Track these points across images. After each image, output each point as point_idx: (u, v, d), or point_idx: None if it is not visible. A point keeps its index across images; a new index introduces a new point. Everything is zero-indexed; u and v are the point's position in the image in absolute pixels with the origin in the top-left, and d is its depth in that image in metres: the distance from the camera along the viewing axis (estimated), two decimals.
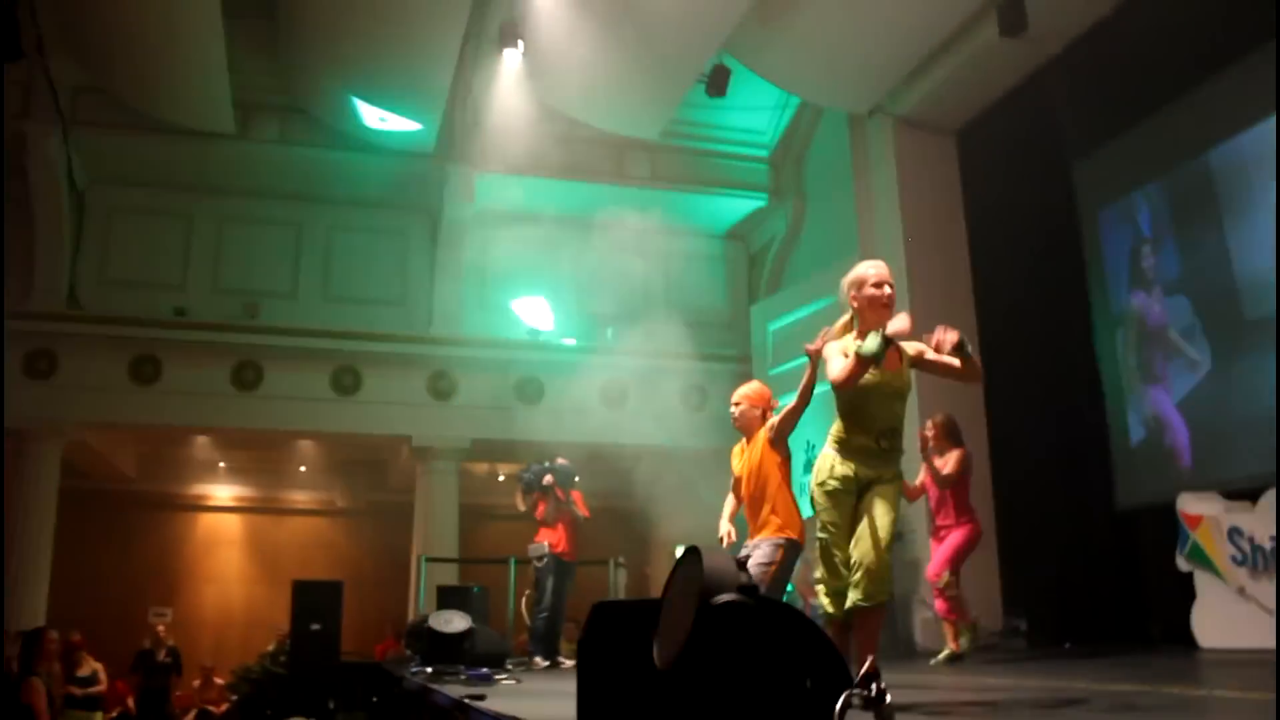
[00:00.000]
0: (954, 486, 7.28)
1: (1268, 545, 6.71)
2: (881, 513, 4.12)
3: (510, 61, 11.36)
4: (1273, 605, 6.67)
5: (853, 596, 4.05)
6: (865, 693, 2.49)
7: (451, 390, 13.71)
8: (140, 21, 10.84)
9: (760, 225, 14.98)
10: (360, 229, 14.24)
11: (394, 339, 13.63)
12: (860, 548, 4.08)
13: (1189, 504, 7.36)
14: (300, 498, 18.02)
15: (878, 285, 4.17)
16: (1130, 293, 9.38)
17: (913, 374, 4.29)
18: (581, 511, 9.32)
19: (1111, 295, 9.62)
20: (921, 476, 7.40)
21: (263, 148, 13.14)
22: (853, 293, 4.22)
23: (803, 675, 2.31)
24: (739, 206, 14.75)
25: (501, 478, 16.37)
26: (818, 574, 4.30)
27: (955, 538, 7.26)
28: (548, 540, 9.17)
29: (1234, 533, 6.94)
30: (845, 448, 4.21)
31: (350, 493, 17.77)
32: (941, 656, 7.16)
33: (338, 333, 13.43)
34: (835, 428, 4.29)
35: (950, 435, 7.41)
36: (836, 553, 4.18)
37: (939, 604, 7.28)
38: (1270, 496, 6.86)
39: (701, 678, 2.24)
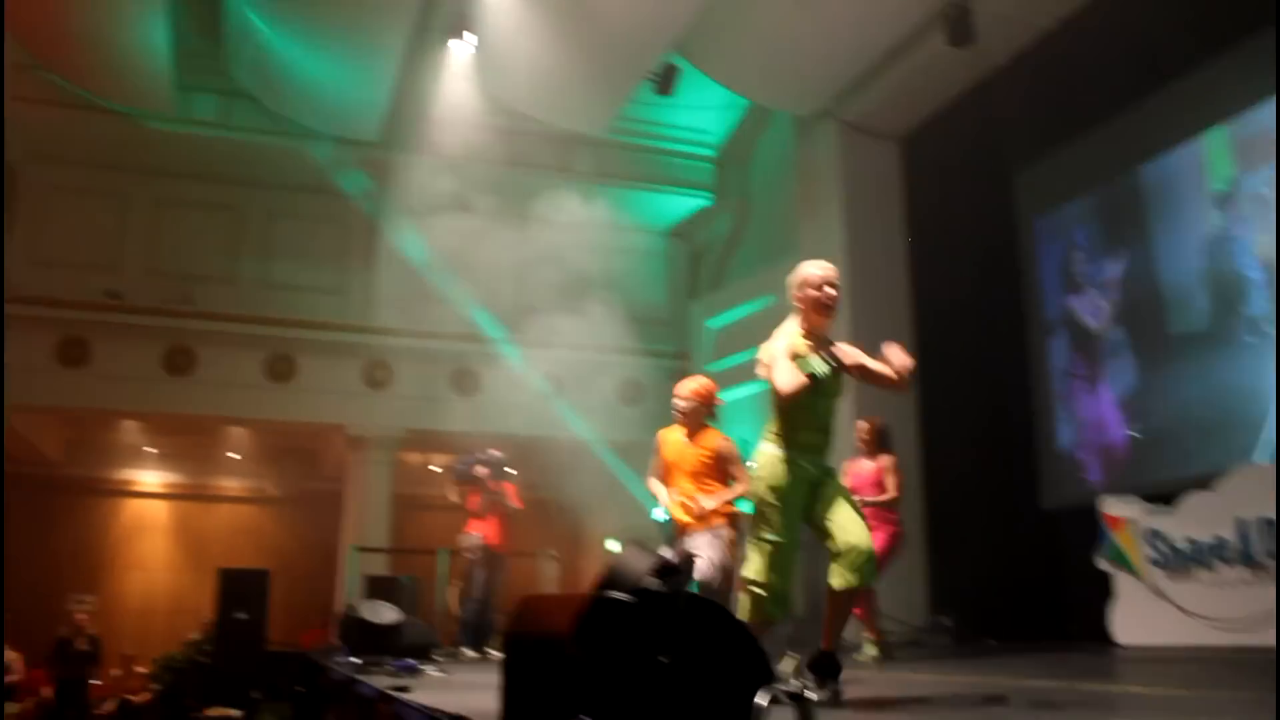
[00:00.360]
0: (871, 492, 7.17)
1: (1186, 547, 6.88)
2: (846, 493, 4.16)
3: (458, 52, 11.28)
4: (1186, 605, 6.86)
5: (849, 579, 3.96)
6: (788, 689, 2.51)
7: (387, 380, 13.62)
8: None
9: (704, 224, 15.03)
10: (300, 216, 14.08)
11: (330, 327, 13.50)
12: (852, 533, 3.99)
13: (1111, 506, 7.55)
14: (231, 485, 17.74)
15: (820, 287, 4.14)
16: (1064, 298, 9.57)
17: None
18: (514, 503, 9.29)
19: (1044, 302, 9.82)
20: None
21: (203, 130, 12.93)
22: (797, 291, 4.19)
23: (722, 671, 2.33)
24: (683, 204, 14.80)
25: (435, 468, 16.27)
26: (754, 575, 4.13)
27: (879, 541, 7.22)
28: (479, 532, 9.13)
29: (1153, 535, 7.12)
30: (793, 446, 4.14)
31: (282, 481, 17.52)
32: (868, 652, 7.06)
33: (273, 319, 13.28)
34: (777, 427, 4.19)
35: (881, 440, 7.38)
36: (777, 560, 4.08)
37: (857, 609, 7.18)
38: (1189, 500, 7.03)
39: (606, 670, 2.25)
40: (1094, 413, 9.19)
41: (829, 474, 4.18)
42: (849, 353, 4.25)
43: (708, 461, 5.55)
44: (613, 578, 2.38)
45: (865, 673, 5.96)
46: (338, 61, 11.60)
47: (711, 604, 2.54)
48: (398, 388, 13.64)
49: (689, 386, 5.68)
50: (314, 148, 13.11)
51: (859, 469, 7.29)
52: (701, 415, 5.62)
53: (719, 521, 5.54)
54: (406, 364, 13.63)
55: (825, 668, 3.94)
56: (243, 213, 14.00)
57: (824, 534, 4.05)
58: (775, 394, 4.11)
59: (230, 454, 16.66)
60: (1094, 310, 9.27)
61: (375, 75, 11.77)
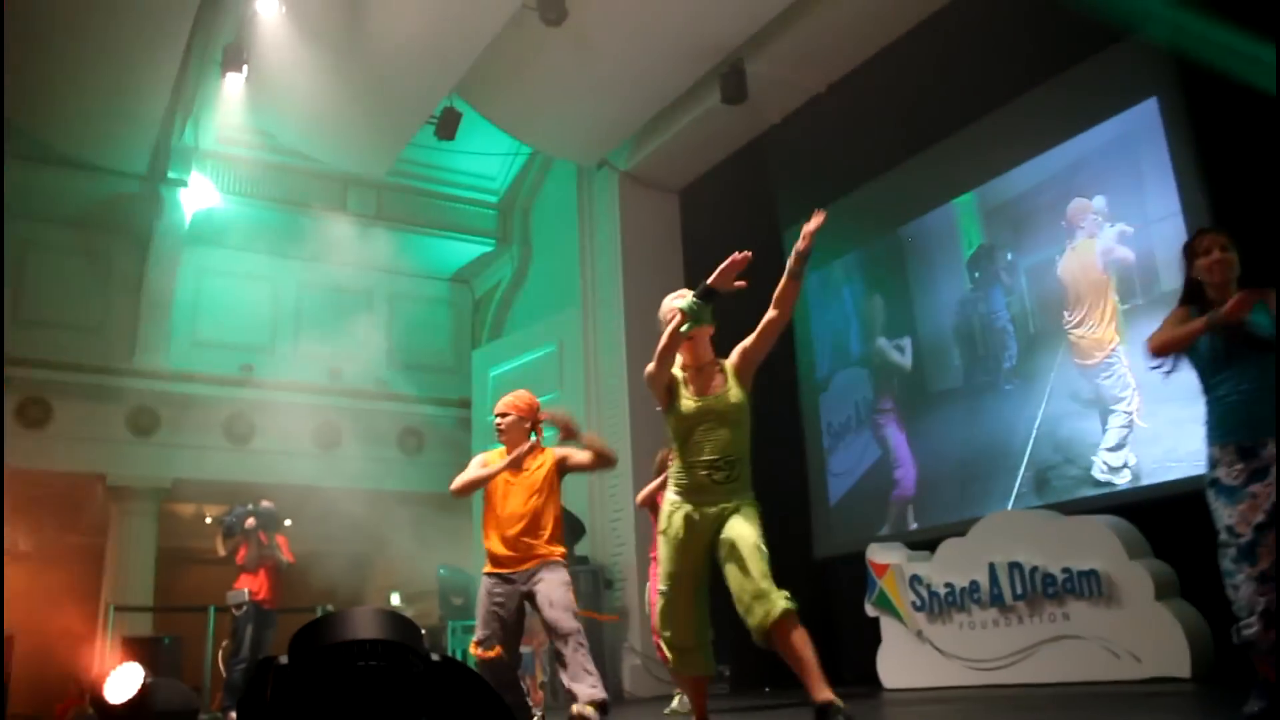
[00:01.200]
0: None
1: (942, 591, 7.21)
2: (746, 529, 3.82)
3: (233, 86, 10.90)
4: (944, 647, 7.18)
5: (751, 623, 3.65)
6: None
7: (153, 426, 12.90)
8: None
9: (486, 270, 14.96)
10: (59, 249, 13.18)
11: (90, 369, 12.70)
12: (738, 571, 3.71)
13: (877, 554, 7.82)
14: None
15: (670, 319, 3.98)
16: (847, 350, 9.94)
17: (747, 399, 4.05)
18: (286, 557, 8.96)
19: (818, 357, 10.18)
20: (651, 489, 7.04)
21: None
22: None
23: None
24: (466, 250, 14.68)
25: (209, 520, 15.51)
26: (663, 630, 3.97)
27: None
28: (248, 587, 8.76)
29: (914, 580, 7.42)
30: (681, 488, 3.93)
31: (34, 534, 16.34)
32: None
33: (26, 359, 12.39)
34: (673, 468, 4.00)
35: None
36: (682, 606, 3.92)
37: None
38: (946, 546, 7.38)
39: None
40: (864, 462, 9.57)
41: (727, 510, 3.87)
42: (735, 358, 4.11)
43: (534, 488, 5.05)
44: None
45: None
46: (104, 88, 11.01)
47: (456, 668, 2.47)
48: (165, 435, 12.93)
49: (505, 401, 5.17)
50: (77, 178, 12.40)
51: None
52: (521, 431, 5.12)
53: (560, 555, 5.02)
54: (174, 410, 12.94)
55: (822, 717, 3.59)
56: None
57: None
58: (668, 426, 3.96)
59: None
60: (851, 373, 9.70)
61: (145, 104, 11.23)
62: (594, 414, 10.96)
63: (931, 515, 8.67)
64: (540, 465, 5.06)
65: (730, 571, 3.74)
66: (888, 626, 7.66)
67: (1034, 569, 6.64)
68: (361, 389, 11.27)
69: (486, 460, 5.13)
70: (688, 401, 3.94)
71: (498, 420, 5.14)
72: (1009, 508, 7.75)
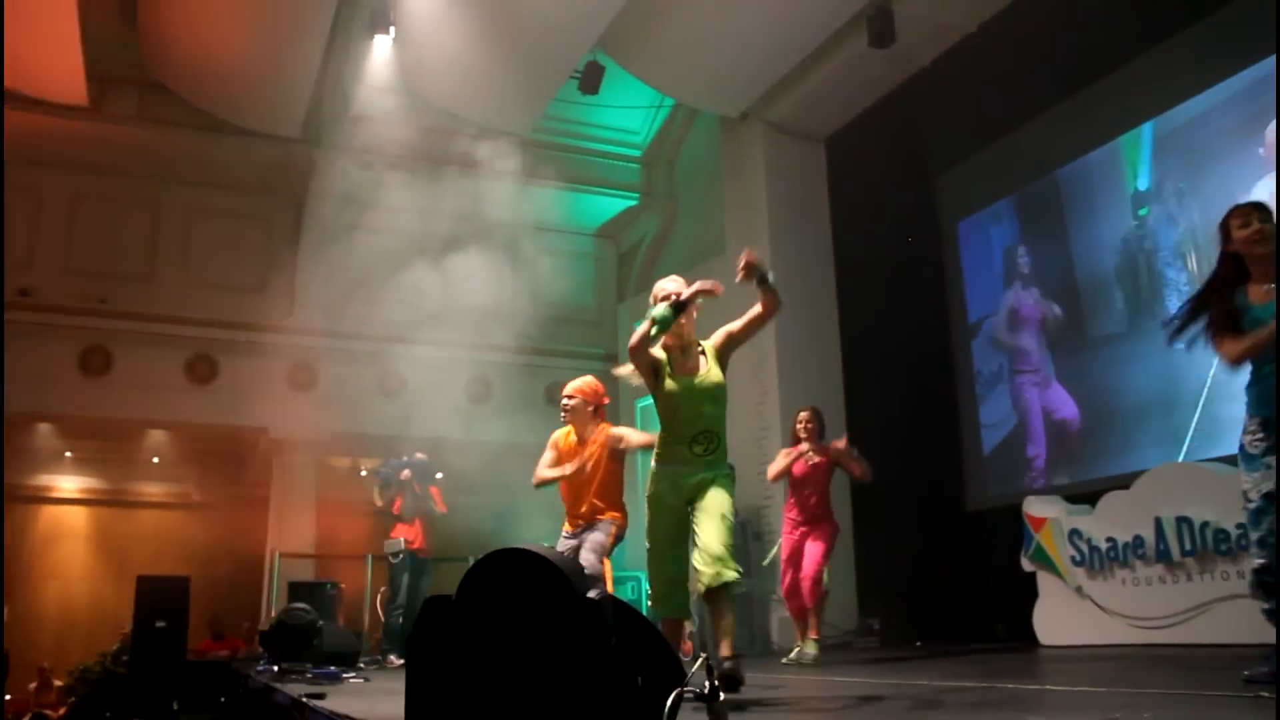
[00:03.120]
0: (824, 484, 7.16)
1: (1104, 546, 6.96)
2: (718, 499, 4.20)
3: (380, 48, 11.10)
4: (1106, 603, 6.94)
5: (710, 575, 4.09)
6: (699, 689, 2.48)
7: (311, 382, 13.36)
8: None
9: (631, 224, 14.97)
10: (221, 213, 13.74)
11: (253, 327, 13.21)
12: (705, 533, 4.12)
13: (1034, 507, 7.59)
14: (152, 490, 17.33)
15: (655, 301, 4.32)
16: (996, 298, 9.67)
17: (727, 376, 4.40)
18: (439, 507, 9.20)
19: (969, 304, 9.91)
20: (783, 466, 7.17)
21: (119, 124, 12.58)
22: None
23: (634, 672, 2.29)
24: (610, 205, 14.71)
25: (364, 472, 16.02)
26: (649, 577, 4.40)
27: (827, 535, 7.11)
28: (404, 536, 9.02)
29: (1074, 534, 7.18)
30: (663, 458, 4.32)
31: (205, 486, 17.17)
32: (804, 653, 6.96)
33: (194, 319, 12.96)
34: (659, 440, 4.38)
35: (822, 429, 7.28)
36: (658, 563, 4.29)
37: (809, 600, 7.00)
38: (1108, 500, 7.12)
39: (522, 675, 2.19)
40: (1017, 411, 9.30)
41: (705, 482, 4.24)
42: (717, 335, 4.43)
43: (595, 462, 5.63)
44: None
45: (792, 675, 5.96)
46: (258, 54, 11.35)
47: (619, 603, 2.48)
48: (323, 390, 13.37)
49: (573, 385, 5.74)
50: (235, 143, 12.84)
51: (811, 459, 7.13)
52: (586, 414, 5.68)
53: (608, 515, 5.63)
54: (331, 365, 13.36)
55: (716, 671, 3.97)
56: (162, 209, 13.63)
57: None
58: (655, 402, 4.37)
59: (152, 458, 16.29)
60: (1019, 311, 9.39)
61: (297, 69, 11.54)
62: (739, 364, 10.86)
63: (1091, 468, 8.38)
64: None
65: (700, 532, 4.16)
66: (1045, 582, 7.44)
67: (1204, 524, 6.35)
68: (508, 345, 11.40)
69: (555, 442, 5.72)
70: (671, 381, 4.29)
71: (564, 402, 5.68)
72: (1180, 460, 7.40)
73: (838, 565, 9.84)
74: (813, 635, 6.99)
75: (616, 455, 5.69)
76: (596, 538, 5.53)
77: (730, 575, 4.10)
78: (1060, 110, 8.94)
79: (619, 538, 5.65)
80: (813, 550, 7.07)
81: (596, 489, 5.60)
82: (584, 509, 5.62)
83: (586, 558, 5.43)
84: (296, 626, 7.75)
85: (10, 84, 11.66)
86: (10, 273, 12.63)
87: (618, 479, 5.73)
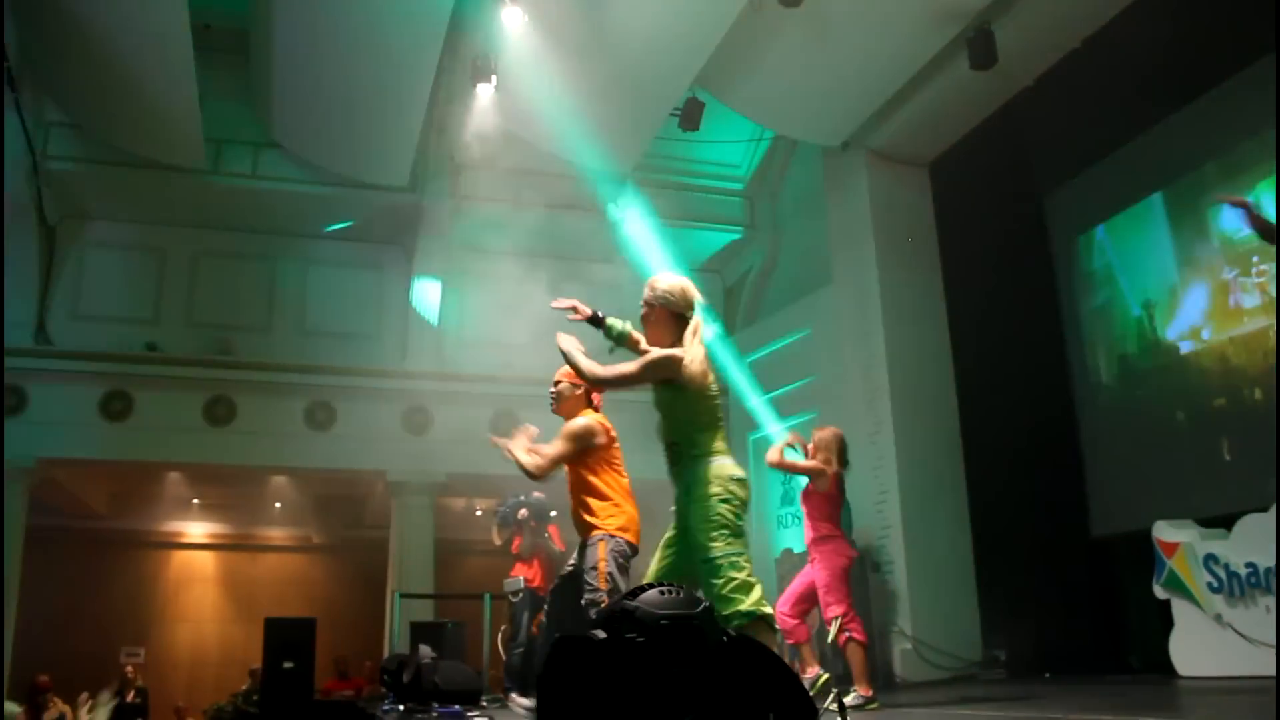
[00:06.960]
0: (824, 503, 6.52)
1: (1243, 572, 6.70)
2: (694, 538, 3.95)
3: (483, 96, 11.35)
4: (1249, 632, 6.67)
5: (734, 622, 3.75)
6: None
7: (426, 424, 13.60)
8: (111, 57, 10.78)
9: (735, 258, 14.97)
10: (335, 263, 14.14)
11: (368, 373, 13.53)
12: (702, 584, 3.86)
13: (1164, 531, 7.34)
14: (275, 534, 17.85)
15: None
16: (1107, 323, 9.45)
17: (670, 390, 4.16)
18: (557, 545, 9.26)
19: (1082, 324, 9.69)
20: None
21: (235, 182, 13.06)
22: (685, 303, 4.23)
23: (766, 709, 2.28)
24: (714, 239, 14.74)
25: (479, 512, 16.24)
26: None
27: (840, 557, 6.36)
28: (523, 575, 9.10)
29: (1209, 560, 6.93)
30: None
31: (326, 529, 17.61)
32: (853, 698, 5.91)
33: (312, 367, 13.33)
34: None
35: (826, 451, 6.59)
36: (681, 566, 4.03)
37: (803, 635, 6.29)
38: (1245, 523, 6.86)
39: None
40: (1140, 430, 9.05)
41: (686, 510, 4.05)
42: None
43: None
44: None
45: (914, 710, 5.85)
46: (366, 109, 11.69)
47: (747, 640, 2.47)
48: (437, 432, 13.60)
49: (559, 370, 5.24)
50: (346, 196, 13.23)
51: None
52: (573, 400, 5.30)
53: (599, 529, 4.91)
54: (445, 408, 13.61)
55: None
56: (278, 262, 14.09)
57: None
58: None
59: (275, 503, 16.75)
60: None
61: (402, 120, 11.86)
62: (852, 395, 10.77)
63: (1223, 490, 8.09)
64: None
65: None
66: (1181, 609, 7.16)
67: None
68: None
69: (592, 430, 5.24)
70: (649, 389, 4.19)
71: (550, 390, 5.36)
72: None
73: (959, 594, 9.68)
74: (813, 669, 6.05)
75: (591, 448, 5.00)
76: (591, 563, 4.78)
77: (744, 612, 3.74)
78: (1171, 122, 8.72)
79: (622, 552, 4.83)
80: (832, 581, 6.29)
81: (572, 493, 5.03)
82: (575, 521, 5.01)
83: (588, 596, 4.71)
84: (419, 666, 7.85)
85: (132, 147, 12.21)
86: (138, 329, 13.16)
87: (596, 476, 5.01)
